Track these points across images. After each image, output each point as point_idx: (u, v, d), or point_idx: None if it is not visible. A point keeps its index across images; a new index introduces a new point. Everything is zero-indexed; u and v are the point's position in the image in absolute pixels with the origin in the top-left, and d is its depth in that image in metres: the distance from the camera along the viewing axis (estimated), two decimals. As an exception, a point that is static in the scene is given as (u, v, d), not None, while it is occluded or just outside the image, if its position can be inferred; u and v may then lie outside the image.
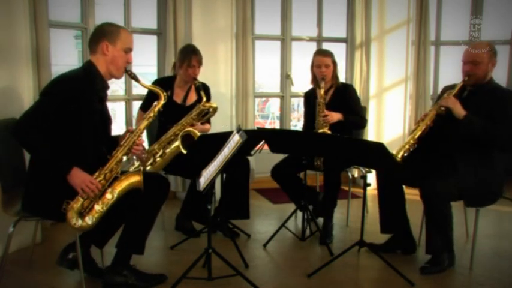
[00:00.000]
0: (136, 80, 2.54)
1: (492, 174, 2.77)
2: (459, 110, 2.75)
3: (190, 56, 3.33)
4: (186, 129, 3.22)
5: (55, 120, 2.26)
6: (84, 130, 2.36)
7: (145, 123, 2.50)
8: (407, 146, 2.82)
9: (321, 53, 3.60)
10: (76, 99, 2.29)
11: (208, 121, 3.50)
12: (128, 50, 2.47)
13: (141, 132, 2.48)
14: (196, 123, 3.29)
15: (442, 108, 2.84)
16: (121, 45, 2.43)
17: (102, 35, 2.42)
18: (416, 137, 2.84)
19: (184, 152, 3.14)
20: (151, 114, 2.52)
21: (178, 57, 3.42)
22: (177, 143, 3.18)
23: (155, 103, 2.56)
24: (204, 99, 3.27)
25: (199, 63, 3.38)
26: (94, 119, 2.40)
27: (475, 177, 2.73)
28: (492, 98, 2.78)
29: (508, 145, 2.71)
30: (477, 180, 2.73)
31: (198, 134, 3.20)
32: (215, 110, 3.32)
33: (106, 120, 2.54)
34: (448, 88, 3.02)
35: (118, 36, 2.42)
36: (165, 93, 2.58)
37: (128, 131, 2.52)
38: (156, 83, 3.54)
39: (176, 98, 3.45)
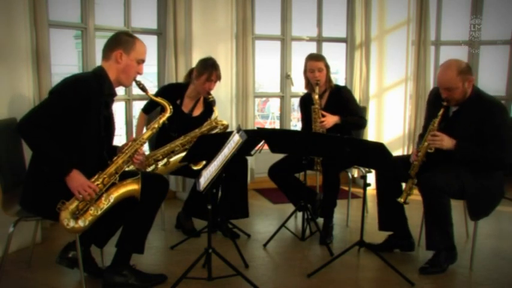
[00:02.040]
0: (145, 91, 2.57)
1: (493, 182, 2.78)
2: (448, 144, 2.74)
3: (211, 70, 3.33)
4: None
5: (61, 120, 2.27)
6: (88, 133, 2.37)
7: (148, 133, 2.53)
8: (408, 190, 2.84)
9: (313, 57, 3.59)
10: (84, 101, 2.31)
11: None
12: (141, 61, 2.51)
13: (144, 142, 2.51)
14: None
15: (431, 150, 2.81)
16: (135, 55, 2.47)
17: (118, 43, 2.45)
18: (414, 176, 2.84)
19: (192, 166, 3.21)
20: (156, 126, 2.55)
21: (198, 68, 3.39)
22: (183, 154, 3.18)
23: (160, 115, 2.58)
24: (216, 114, 3.29)
25: (218, 78, 3.38)
26: (99, 123, 2.42)
27: (478, 185, 2.73)
28: (479, 109, 2.75)
29: (498, 165, 2.72)
30: (481, 188, 2.73)
31: None
32: (226, 127, 3.33)
33: (110, 126, 2.56)
34: (436, 90, 2.98)
35: (133, 47, 2.46)
36: (171, 107, 2.60)
37: (130, 139, 2.55)
38: (167, 88, 3.56)
39: (184, 108, 3.45)
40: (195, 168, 3.24)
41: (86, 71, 2.51)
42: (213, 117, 3.33)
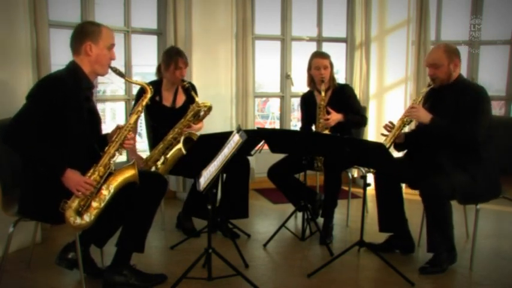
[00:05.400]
0: (122, 75, 2.57)
1: (482, 169, 2.79)
2: (424, 117, 2.82)
3: (176, 58, 3.32)
4: (186, 131, 3.23)
5: (43, 122, 2.27)
6: (73, 130, 2.37)
7: (134, 117, 2.52)
8: None
9: (319, 55, 3.62)
10: (62, 99, 2.29)
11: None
12: (111, 47, 2.49)
13: (131, 126, 2.49)
14: (192, 124, 3.29)
15: (407, 122, 2.93)
16: (103, 43, 2.44)
17: (84, 36, 2.43)
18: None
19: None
20: (140, 108, 2.54)
21: (163, 60, 3.40)
22: (178, 146, 3.17)
23: (142, 97, 2.56)
24: (197, 99, 3.27)
25: (186, 64, 3.38)
26: (82, 118, 2.41)
27: (465, 174, 2.75)
28: (460, 93, 2.82)
29: (468, 140, 2.74)
30: (468, 177, 2.75)
31: (198, 134, 3.21)
32: (210, 108, 3.31)
33: (95, 118, 2.55)
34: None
35: (100, 35, 2.44)
36: (150, 87, 2.58)
37: (117, 127, 2.52)
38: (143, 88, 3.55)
39: (165, 102, 3.44)
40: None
41: (59, 70, 2.49)
42: (195, 102, 3.28)
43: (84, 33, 2.43)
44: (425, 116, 2.82)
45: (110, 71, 2.52)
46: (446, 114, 2.82)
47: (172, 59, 3.33)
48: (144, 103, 2.55)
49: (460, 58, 2.91)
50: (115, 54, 2.53)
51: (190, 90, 3.30)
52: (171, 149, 3.21)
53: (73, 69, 2.43)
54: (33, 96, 2.31)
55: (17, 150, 2.29)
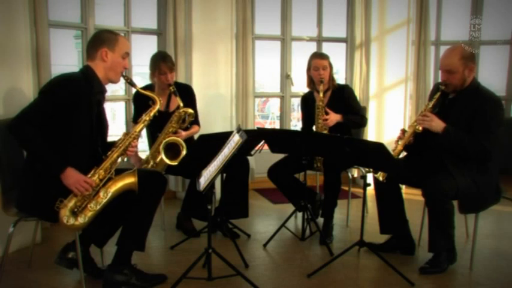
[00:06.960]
0: (133, 85, 2.63)
1: (489, 180, 2.77)
2: (437, 126, 2.75)
3: (159, 63, 3.32)
4: (168, 138, 3.20)
5: (52, 119, 2.29)
6: (80, 130, 2.38)
7: (140, 126, 2.55)
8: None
9: (318, 55, 3.63)
10: (74, 100, 2.33)
11: (197, 123, 3.50)
12: (126, 55, 2.53)
13: (137, 135, 2.52)
14: (179, 130, 3.27)
15: (419, 128, 2.82)
16: (119, 51, 2.49)
17: (101, 42, 2.47)
18: (396, 156, 2.85)
19: (169, 162, 3.12)
20: (147, 118, 2.57)
21: (149, 66, 3.42)
22: (160, 156, 3.15)
23: (150, 108, 2.58)
24: (181, 104, 3.25)
25: (170, 69, 3.35)
26: (90, 120, 2.43)
27: (474, 185, 2.72)
28: (474, 101, 2.75)
29: (481, 155, 2.69)
30: (476, 187, 2.72)
31: (181, 141, 3.18)
32: (191, 115, 3.29)
33: (103, 123, 2.57)
34: (439, 85, 2.99)
35: (116, 43, 2.49)
36: (160, 99, 2.63)
37: (124, 134, 2.54)
38: (137, 93, 3.54)
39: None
40: (169, 162, 3.15)
41: (74, 71, 2.53)
42: (180, 108, 3.26)
43: (102, 39, 2.48)
44: (438, 126, 2.74)
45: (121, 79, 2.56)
46: (457, 120, 2.75)
47: (155, 65, 3.34)
48: (152, 114, 2.58)
49: (475, 62, 2.81)
50: (128, 64, 2.56)
51: (176, 95, 3.28)
52: (159, 154, 3.19)
53: (87, 72, 2.47)
54: (44, 92, 2.35)
55: (20, 139, 2.29)
